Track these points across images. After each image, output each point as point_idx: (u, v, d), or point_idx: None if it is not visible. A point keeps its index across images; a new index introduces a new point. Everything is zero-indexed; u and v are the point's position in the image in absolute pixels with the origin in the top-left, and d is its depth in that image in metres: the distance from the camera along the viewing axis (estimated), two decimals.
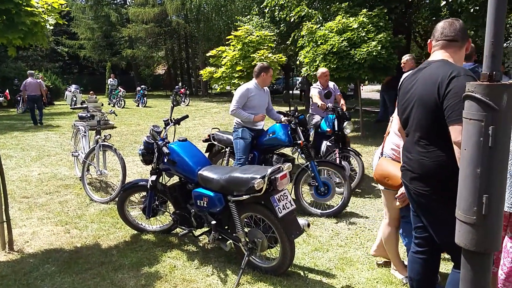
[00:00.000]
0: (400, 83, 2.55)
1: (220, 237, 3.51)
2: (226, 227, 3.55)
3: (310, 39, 10.26)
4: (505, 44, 13.06)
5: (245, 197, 3.17)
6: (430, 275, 2.53)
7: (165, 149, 3.52)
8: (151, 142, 3.74)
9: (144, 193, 4.14)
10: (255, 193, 3.09)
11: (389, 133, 3.22)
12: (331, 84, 6.51)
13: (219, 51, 7.16)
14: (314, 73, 9.94)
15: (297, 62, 11.68)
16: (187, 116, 4.25)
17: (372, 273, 3.36)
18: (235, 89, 6.99)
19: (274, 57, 6.62)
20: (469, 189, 1.66)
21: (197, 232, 3.81)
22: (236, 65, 6.65)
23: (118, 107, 20.32)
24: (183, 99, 22.03)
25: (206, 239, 3.95)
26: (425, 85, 2.22)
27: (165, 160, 3.68)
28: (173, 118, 4.06)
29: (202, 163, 3.64)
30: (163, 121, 4.00)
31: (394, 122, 2.90)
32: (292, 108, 5.04)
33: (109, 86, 23.58)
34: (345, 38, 9.42)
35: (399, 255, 3.28)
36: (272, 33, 7.07)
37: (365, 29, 9.40)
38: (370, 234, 4.21)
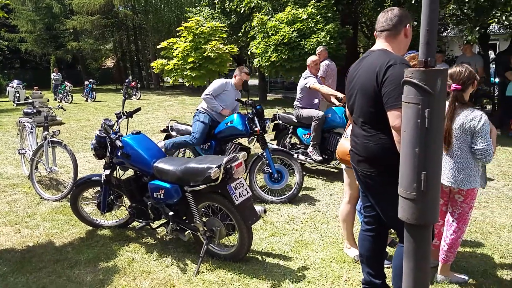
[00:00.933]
0: (346, 72, 2.68)
1: (178, 228, 3.53)
2: (184, 218, 3.58)
3: (261, 30, 10.36)
4: (444, 33, 13.77)
5: (201, 187, 3.21)
6: (379, 251, 2.70)
7: (118, 143, 3.48)
8: (103, 136, 3.68)
9: (98, 188, 4.08)
10: (211, 183, 3.15)
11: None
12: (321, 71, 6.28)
13: (170, 43, 7.09)
14: (266, 63, 10.09)
15: (249, 53, 11.76)
16: (139, 109, 4.21)
17: (326, 253, 3.52)
18: (187, 81, 7.00)
19: (226, 48, 6.65)
20: (409, 167, 1.80)
21: (155, 224, 3.80)
22: (187, 57, 6.62)
23: (66, 102, 19.54)
24: (134, 93, 21.53)
25: (164, 231, 3.96)
26: (366, 74, 2.35)
27: (119, 154, 3.64)
28: (125, 111, 4.01)
29: (157, 155, 3.63)
30: (115, 114, 3.95)
31: None
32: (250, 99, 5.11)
33: (53, 81, 22.61)
34: (295, 29, 9.62)
35: (353, 234, 3.46)
36: (223, 24, 7.05)
37: (314, 20, 9.63)
38: (324, 217, 4.38)
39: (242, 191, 3.26)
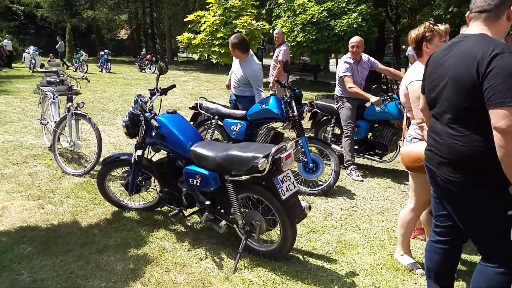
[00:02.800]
0: (428, 58, 2.33)
1: (213, 218, 3.27)
2: (219, 208, 3.32)
3: (288, 8, 9.91)
4: None
5: (244, 177, 2.92)
6: (451, 266, 2.41)
7: (154, 122, 3.19)
8: (137, 114, 3.40)
9: (127, 168, 3.83)
10: (256, 174, 2.86)
11: (408, 120, 3.06)
12: (365, 56, 5.44)
13: (198, 16, 6.71)
14: (292, 43, 9.68)
15: (272, 32, 11.30)
16: (174, 86, 3.91)
17: (375, 258, 3.24)
18: (215, 58, 6.64)
19: (258, 25, 6.27)
20: None
21: (187, 211, 3.54)
22: (216, 32, 6.25)
23: (81, 72, 19.29)
24: (149, 66, 21.20)
25: (194, 219, 3.71)
26: (461, 62, 2.00)
27: (153, 134, 3.36)
28: (160, 88, 3.70)
29: (194, 138, 3.35)
30: (149, 90, 3.65)
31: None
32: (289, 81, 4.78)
33: (58, 50, 22.33)
34: (325, 8, 9.17)
35: (409, 241, 3.17)
36: None
37: (346, 0, 9.17)
38: (364, 214, 4.10)
39: (289, 184, 2.97)
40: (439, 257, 2.38)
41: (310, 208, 3.12)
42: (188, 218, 3.64)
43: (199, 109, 5.23)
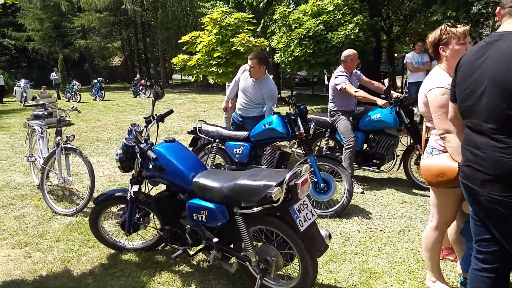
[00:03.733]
0: (458, 62, 2.03)
1: (221, 256, 2.92)
2: (228, 244, 2.96)
3: (283, 23, 9.71)
4: None
5: (256, 209, 2.58)
6: None
7: (151, 154, 2.86)
8: (131, 145, 3.06)
9: (122, 206, 3.48)
10: (269, 204, 2.52)
11: (427, 129, 2.75)
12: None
13: (193, 36, 6.45)
14: (289, 58, 9.45)
15: (267, 49, 11.11)
16: (171, 111, 3.60)
17: (404, 286, 2.88)
18: (213, 79, 6.36)
19: (256, 41, 6.00)
20: None
21: (192, 250, 3.17)
22: (213, 51, 5.97)
23: (74, 101, 19.07)
24: (143, 91, 21.00)
25: (200, 257, 3.35)
26: (502, 64, 1.73)
27: (150, 167, 3.02)
28: (156, 115, 3.39)
29: (196, 168, 3.01)
30: (144, 118, 3.33)
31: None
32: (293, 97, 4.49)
33: (53, 81, 22.14)
34: (321, 21, 8.97)
35: (439, 264, 2.82)
36: (251, 16, 6.41)
37: (341, 12, 8.97)
38: (384, 236, 3.74)
39: (307, 213, 2.62)
40: (486, 287, 2.04)
41: (330, 237, 2.76)
42: (193, 257, 3.28)
43: (199, 133, 4.92)
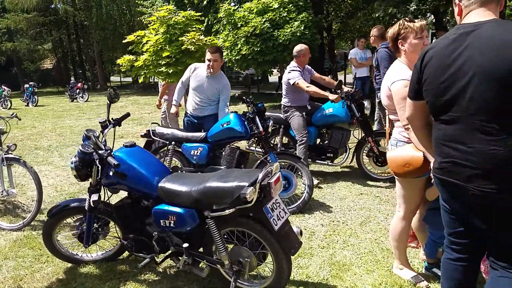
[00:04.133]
0: (422, 57, 1.93)
1: (192, 261, 2.83)
2: (198, 248, 2.88)
3: (228, 22, 9.66)
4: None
5: (228, 211, 2.52)
6: (473, 281, 2.15)
7: (111, 160, 2.70)
8: (89, 152, 2.88)
9: (79, 216, 3.28)
10: (243, 205, 2.47)
11: (390, 121, 2.83)
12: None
13: (138, 36, 6.22)
14: (237, 57, 9.41)
15: None
16: (128, 115, 3.45)
17: (373, 276, 2.96)
18: (163, 79, 6.17)
19: (206, 40, 5.90)
20: None
21: (160, 257, 3.05)
22: (161, 51, 5.79)
23: (4, 108, 17.79)
24: (81, 95, 20.06)
25: (166, 263, 3.23)
26: (491, 52, 1.67)
27: (111, 174, 2.86)
28: (112, 118, 3.22)
29: (160, 173, 2.89)
30: (100, 122, 3.16)
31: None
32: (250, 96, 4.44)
33: None
34: (267, 19, 9.01)
35: (406, 252, 2.92)
36: (199, 14, 6.28)
37: (286, 9, 9.07)
38: (347, 228, 3.82)
39: (280, 212, 2.61)
40: (460, 275, 2.11)
41: (301, 233, 2.78)
42: (160, 265, 3.15)
43: (152, 136, 4.75)
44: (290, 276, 2.94)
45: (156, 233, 2.85)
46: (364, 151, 5.24)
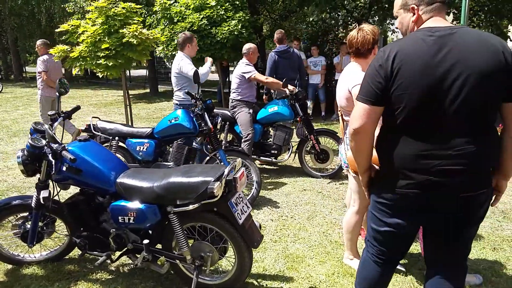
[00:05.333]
0: (391, 60, 1.74)
1: (151, 257, 2.79)
2: (157, 244, 2.84)
3: (164, 16, 9.45)
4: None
5: (192, 206, 2.53)
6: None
7: (67, 154, 2.57)
8: (39, 146, 2.71)
9: (22, 214, 3.07)
10: (208, 200, 2.49)
11: (344, 122, 2.99)
12: None
13: (72, 25, 5.88)
14: (173, 52, 9.25)
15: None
16: (79, 107, 3.27)
17: (326, 267, 3.12)
18: (101, 72, 5.90)
19: (149, 34, 5.74)
20: None
21: (115, 255, 2.95)
22: (100, 43, 5.54)
23: None
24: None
25: (118, 262, 3.13)
26: (475, 56, 1.67)
27: (64, 169, 2.72)
28: (62, 111, 3.05)
29: (117, 168, 2.81)
30: (49, 115, 2.97)
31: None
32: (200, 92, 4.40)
33: None
34: (205, 15, 8.95)
35: (357, 244, 3.12)
36: (140, 6, 6.08)
37: (223, 7, 9.09)
38: (296, 222, 3.97)
39: (243, 206, 2.66)
40: (378, 276, 2.13)
41: (260, 227, 2.86)
42: (113, 263, 3.05)
43: (94, 131, 4.55)
44: None
45: (113, 230, 2.77)
46: (307, 149, 5.45)
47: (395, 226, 1.91)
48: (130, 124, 6.75)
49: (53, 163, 2.69)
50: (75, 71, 5.91)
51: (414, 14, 1.87)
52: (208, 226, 2.70)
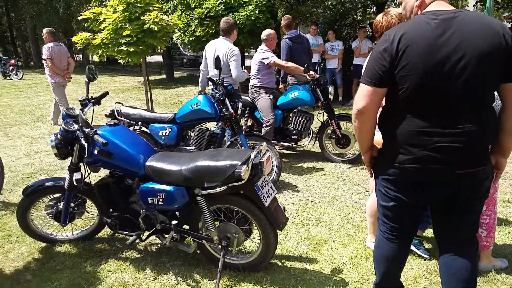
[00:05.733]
0: (396, 41, 1.79)
1: (179, 237, 2.90)
2: (184, 225, 2.95)
3: (180, 2, 9.50)
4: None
5: (220, 189, 2.61)
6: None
7: (99, 138, 2.67)
8: (71, 130, 2.82)
9: (55, 195, 3.21)
10: (235, 183, 2.57)
11: None
12: None
13: (94, 13, 5.97)
14: (190, 38, 9.31)
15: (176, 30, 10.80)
16: (107, 93, 3.36)
17: (349, 249, 3.19)
18: (122, 58, 6.00)
19: (169, 20, 5.80)
20: None
21: (144, 235, 3.07)
22: (121, 30, 5.62)
23: None
24: (15, 72, 18.75)
25: (146, 242, 3.26)
26: (479, 37, 1.73)
27: (96, 152, 2.83)
28: (91, 97, 3.15)
29: (146, 152, 2.91)
30: (79, 100, 3.07)
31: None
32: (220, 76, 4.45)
33: None
34: (222, 1, 8.96)
35: None
36: None
37: None
38: (317, 206, 4.04)
39: (268, 189, 2.74)
40: (396, 253, 2.21)
41: (285, 210, 2.94)
42: (141, 242, 3.18)
43: (117, 116, 4.67)
44: None
45: (143, 211, 2.88)
46: (327, 134, 5.49)
47: (399, 201, 2.01)
48: (151, 109, 6.87)
49: (86, 146, 2.80)
50: (96, 58, 6.01)
51: None
52: (234, 208, 2.79)
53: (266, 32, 5.34)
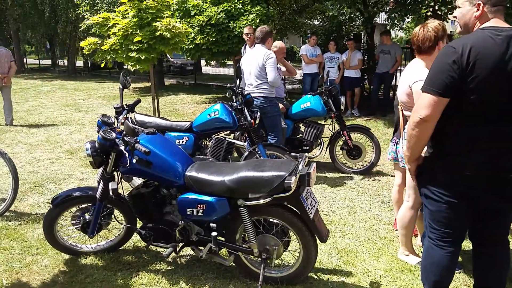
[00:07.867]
0: (466, 54, 1.89)
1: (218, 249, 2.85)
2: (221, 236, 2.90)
3: (179, 9, 9.46)
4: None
5: (264, 200, 2.57)
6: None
7: (140, 147, 2.60)
8: (110, 138, 2.74)
9: (83, 206, 3.12)
10: (280, 194, 2.54)
11: (404, 118, 3.01)
12: None
13: (103, 18, 5.88)
14: (190, 46, 9.27)
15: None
16: (139, 101, 3.30)
17: (382, 262, 3.19)
18: (132, 65, 5.91)
19: (181, 27, 5.75)
20: None
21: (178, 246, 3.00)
22: (132, 36, 5.55)
23: None
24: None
25: (175, 254, 3.18)
26: None
27: (134, 161, 2.76)
28: (126, 104, 3.09)
29: (184, 161, 2.85)
30: (114, 108, 3.02)
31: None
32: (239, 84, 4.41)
33: None
34: (222, 9, 8.97)
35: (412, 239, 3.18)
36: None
37: (241, 1, 9.11)
38: (339, 218, 4.03)
39: (311, 201, 2.72)
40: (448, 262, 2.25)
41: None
42: (175, 255, 3.10)
43: (132, 125, 4.57)
44: None
45: (181, 222, 2.81)
46: (338, 145, 5.51)
47: (454, 205, 2.10)
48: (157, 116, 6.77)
49: (126, 155, 2.73)
50: (102, 64, 5.91)
51: (478, 9, 2.04)
52: (273, 220, 2.76)
53: (278, 44, 5.33)
